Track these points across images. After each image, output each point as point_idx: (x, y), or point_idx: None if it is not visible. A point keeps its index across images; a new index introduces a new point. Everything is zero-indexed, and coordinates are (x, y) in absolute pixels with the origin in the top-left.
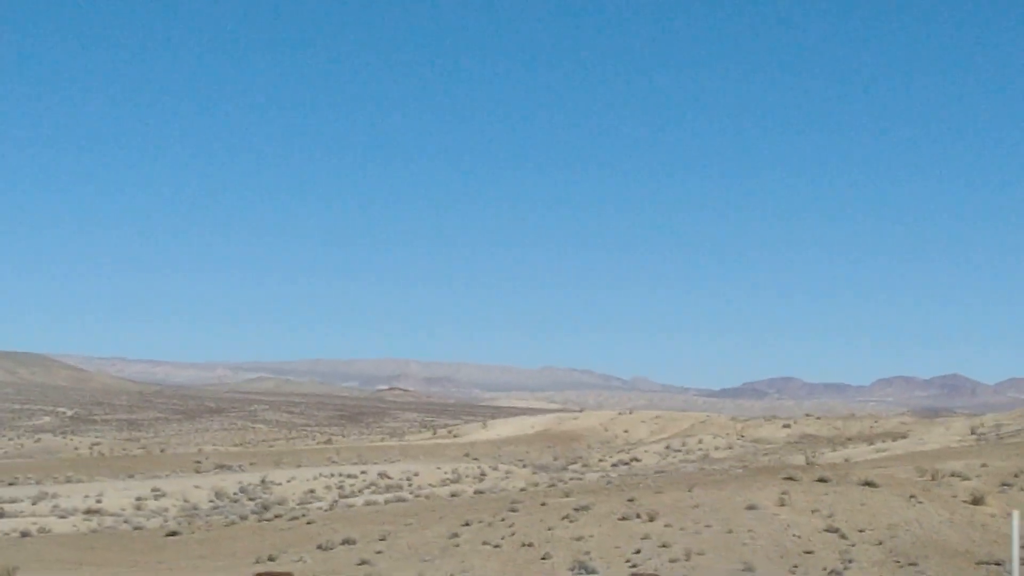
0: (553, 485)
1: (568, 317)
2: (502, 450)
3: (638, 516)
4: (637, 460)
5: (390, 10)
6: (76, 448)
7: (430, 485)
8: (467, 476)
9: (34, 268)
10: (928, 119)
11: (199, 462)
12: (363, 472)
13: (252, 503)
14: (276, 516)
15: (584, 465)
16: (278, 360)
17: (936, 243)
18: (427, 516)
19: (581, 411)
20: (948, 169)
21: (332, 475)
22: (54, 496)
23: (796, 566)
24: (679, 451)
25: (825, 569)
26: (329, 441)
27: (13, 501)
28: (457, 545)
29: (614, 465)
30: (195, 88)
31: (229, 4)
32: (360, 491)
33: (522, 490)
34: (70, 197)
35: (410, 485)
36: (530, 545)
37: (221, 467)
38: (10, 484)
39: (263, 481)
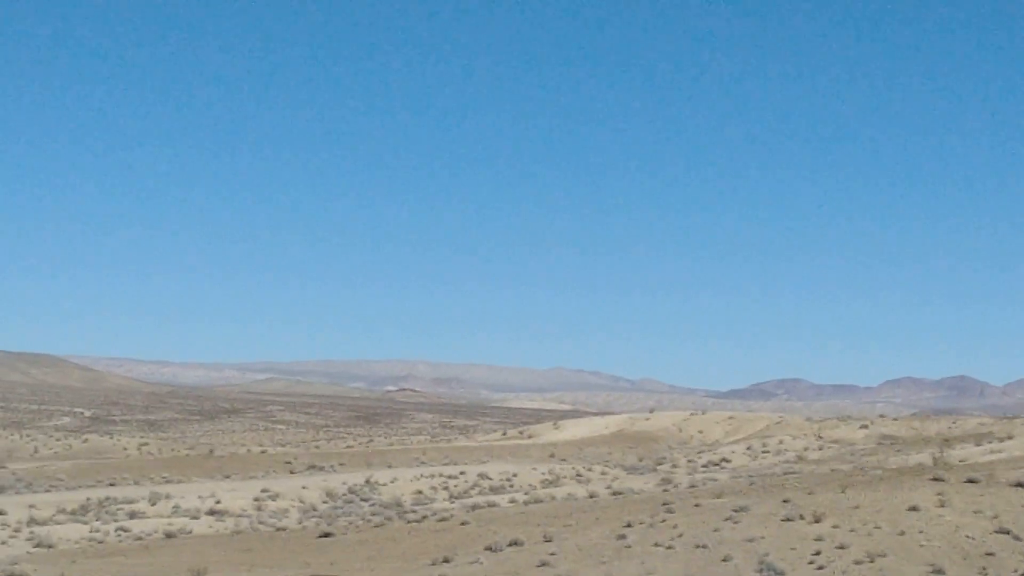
0: (693, 487)
1: (577, 318)
2: (584, 451)
3: (802, 517)
4: (727, 461)
5: (383, 8)
6: (125, 449)
7: (531, 486)
8: (564, 477)
9: (43, 269)
10: (934, 119)
11: (289, 463)
12: (461, 473)
13: (367, 504)
14: (423, 517)
15: (674, 466)
16: (286, 361)
17: (945, 243)
18: (583, 517)
19: (651, 412)
20: (957, 168)
21: (432, 476)
22: (167, 497)
23: (984, 568)
24: (766, 452)
25: (1016, 572)
26: (371, 441)
27: (129, 502)
28: (628, 547)
29: (704, 466)
30: (205, 86)
31: (221, 4)
32: (467, 492)
33: (664, 491)
34: (78, 198)
35: (511, 487)
36: (704, 547)
37: (312, 467)
38: (110, 485)
39: (367, 481)
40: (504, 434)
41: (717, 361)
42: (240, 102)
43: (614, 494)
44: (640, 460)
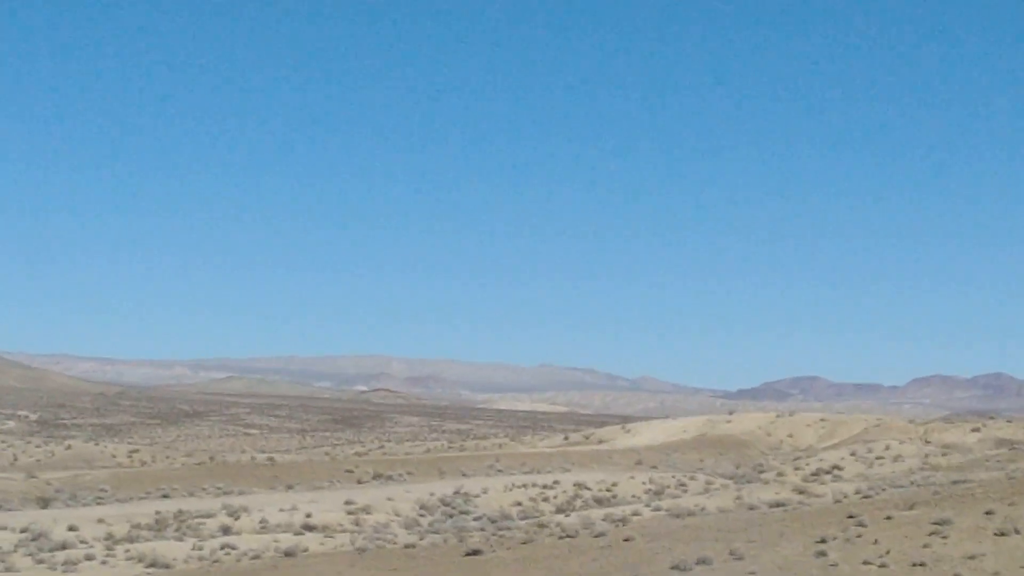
0: (868, 496)
1: (565, 311)
2: (671, 457)
3: (1017, 531)
4: (838, 468)
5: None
6: (114, 456)
7: (635, 496)
8: (668, 486)
9: None
10: (965, 104)
11: (351, 471)
12: (555, 482)
13: (470, 517)
14: (575, 532)
15: (779, 474)
16: (243, 358)
17: (977, 231)
18: (763, 532)
19: (731, 413)
20: (992, 155)
21: (524, 486)
22: (245, 510)
23: None
24: (881, 459)
25: None
26: (383, 448)
27: (207, 515)
28: (834, 564)
29: (813, 474)
30: (156, 74)
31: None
32: (570, 503)
33: (837, 501)
34: (10, 186)
35: (614, 497)
36: (921, 564)
37: (379, 476)
38: (164, 496)
39: (458, 492)
40: (566, 438)
41: (723, 358)
42: (204, 91)
43: (751, 508)
44: (737, 467)
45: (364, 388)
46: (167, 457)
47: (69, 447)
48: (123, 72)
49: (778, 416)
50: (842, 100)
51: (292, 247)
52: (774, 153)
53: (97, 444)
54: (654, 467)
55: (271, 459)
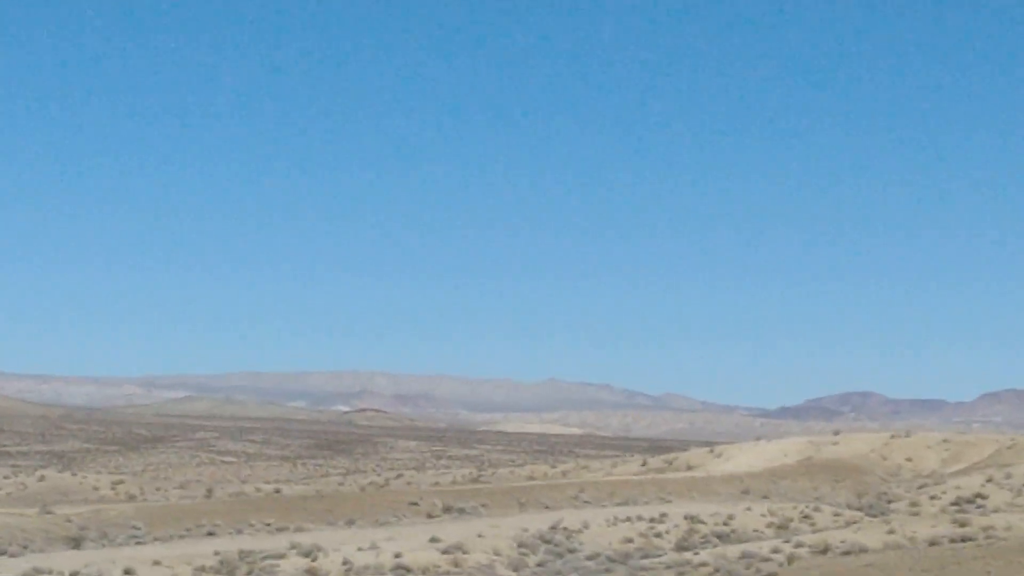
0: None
1: (575, 319)
2: (779, 484)
3: None
4: (982, 498)
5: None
6: (96, 488)
7: (756, 531)
8: (791, 519)
9: None
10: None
11: (415, 503)
12: (662, 515)
13: (582, 556)
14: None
15: (912, 504)
16: (202, 375)
17: None
18: (966, 570)
19: (837, 434)
20: None
21: (628, 519)
22: (319, 549)
23: None
24: None
25: None
26: (401, 476)
27: (278, 556)
28: None
29: (954, 504)
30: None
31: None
32: (686, 538)
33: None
34: None
35: (732, 532)
36: None
37: (451, 510)
38: (209, 534)
39: (557, 527)
40: (644, 464)
41: (759, 373)
42: (159, 94)
43: (912, 543)
44: (860, 496)
45: (345, 408)
46: (158, 489)
47: (43, 478)
48: (75, 77)
49: (892, 437)
50: (876, 90)
51: (255, 248)
52: (812, 146)
53: (75, 475)
54: (765, 496)
55: (278, 491)
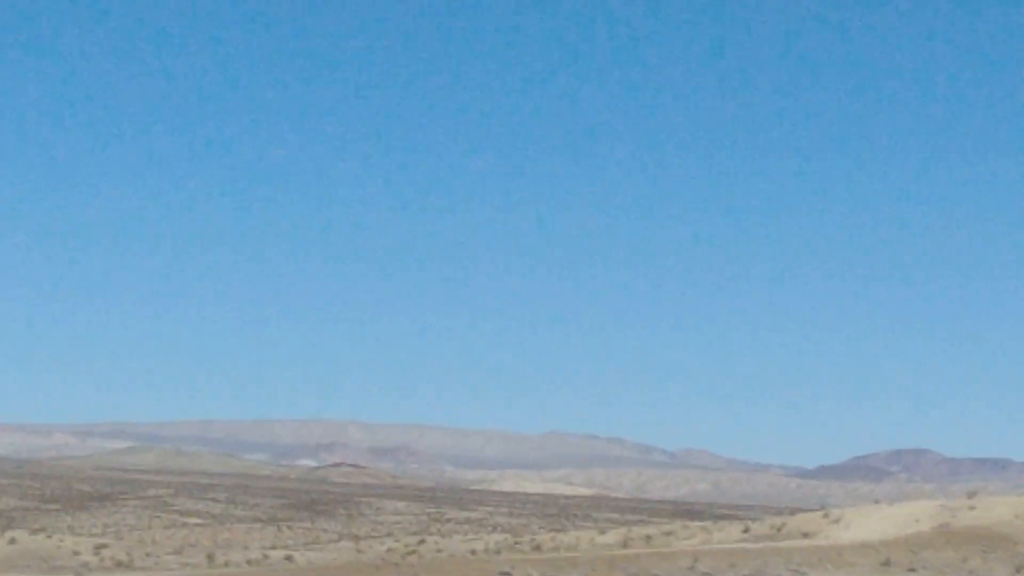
0: None
1: (580, 362)
2: (921, 555)
3: None
4: None
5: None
6: (77, 552)
7: None
8: None
9: None
10: None
11: (507, 573)
12: None
13: None
14: None
15: None
16: (145, 423)
17: None
18: None
19: (973, 497)
20: None
21: None
22: None
23: None
24: None
25: None
26: (424, 543)
27: None
28: None
29: None
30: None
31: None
32: None
33: None
34: None
35: None
36: None
37: None
38: None
39: None
40: (746, 530)
41: (795, 426)
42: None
43: None
44: (1017, 570)
45: (312, 462)
46: (147, 555)
47: (13, 541)
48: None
49: None
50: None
51: (205, 279)
52: (854, 183)
53: (50, 536)
54: (912, 570)
55: (289, 557)
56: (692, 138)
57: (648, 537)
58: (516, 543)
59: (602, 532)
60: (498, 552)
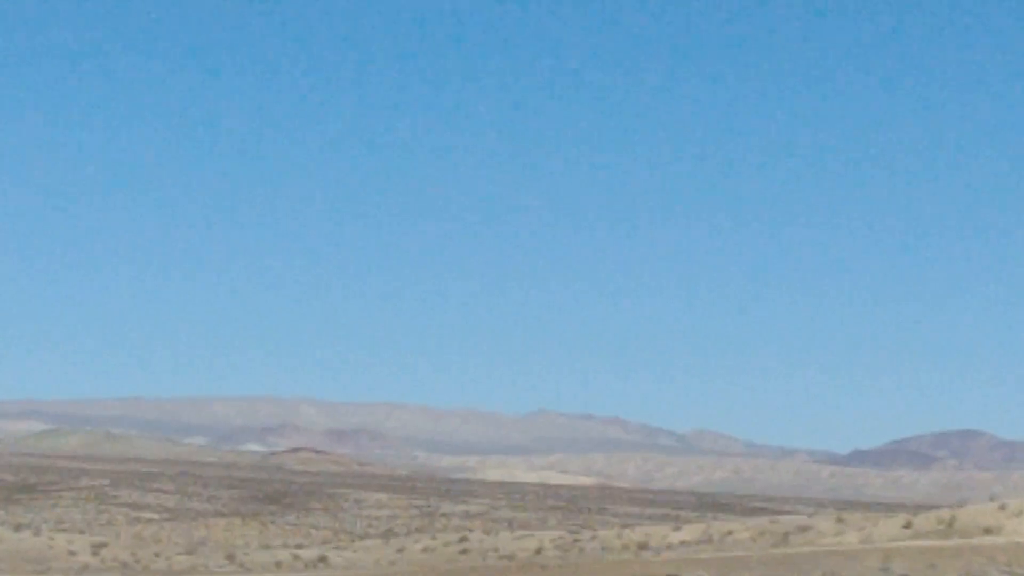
0: None
1: (573, 332)
2: None
3: None
4: None
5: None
6: (73, 553)
7: None
8: None
9: None
10: None
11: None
12: None
13: None
14: None
15: None
16: (64, 400)
17: None
18: None
19: None
20: None
21: None
22: None
23: None
24: None
25: None
26: (466, 540)
27: None
28: None
29: None
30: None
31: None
32: None
33: None
34: None
35: None
36: None
37: None
38: None
39: None
40: (908, 525)
41: (824, 406)
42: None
43: None
44: None
45: (259, 447)
46: (157, 555)
47: None
48: None
49: None
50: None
51: (134, 240)
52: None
53: (37, 535)
54: None
55: (323, 558)
56: (714, 94)
57: (785, 534)
58: (576, 540)
59: (676, 528)
60: (564, 551)
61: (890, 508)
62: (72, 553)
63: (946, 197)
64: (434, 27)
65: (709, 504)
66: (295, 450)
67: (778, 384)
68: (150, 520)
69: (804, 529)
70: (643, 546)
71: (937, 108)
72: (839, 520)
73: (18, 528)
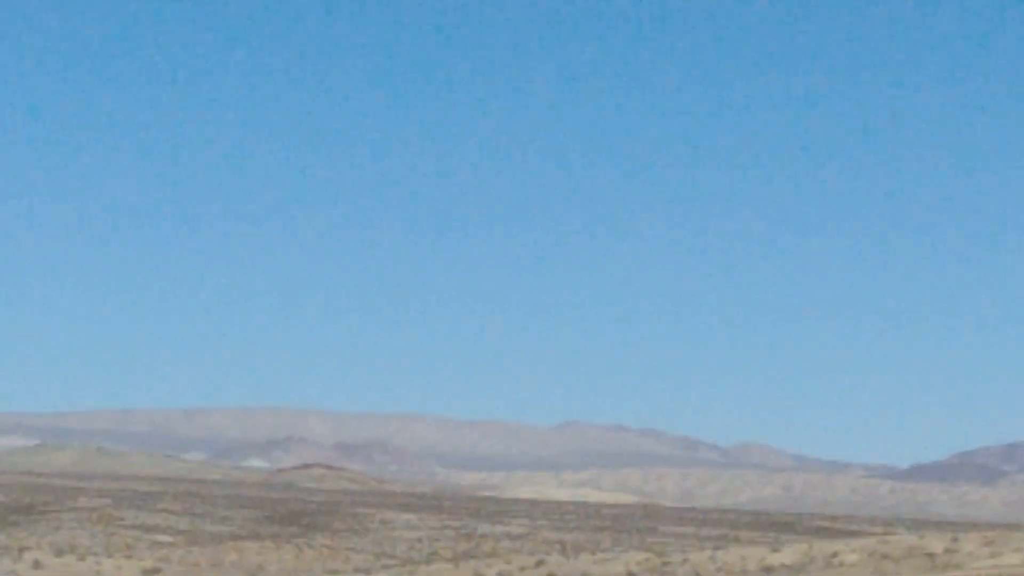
0: None
1: (605, 338)
2: None
3: None
4: None
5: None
6: None
7: None
8: None
9: None
10: None
11: None
12: None
13: None
14: None
15: None
16: (49, 413)
17: None
18: None
19: None
20: None
21: None
22: None
23: None
24: None
25: None
26: (543, 564)
27: None
28: None
29: None
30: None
31: None
32: None
33: None
34: None
35: None
36: None
37: None
38: None
39: None
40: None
41: (881, 417)
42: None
43: None
44: None
45: (263, 463)
46: None
47: (37, 564)
48: None
49: None
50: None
51: (125, 243)
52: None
53: (82, 560)
54: None
55: None
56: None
57: (930, 555)
58: (666, 564)
59: (775, 551)
60: (719, 570)
61: (969, 527)
62: None
63: (1017, 202)
64: (434, 26)
65: (766, 523)
66: (307, 466)
67: (829, 393)
68: (168, 544)
69: (926, 551)
70: (744, 571)
71: None
72: (988, 542)
73: (60, 553)
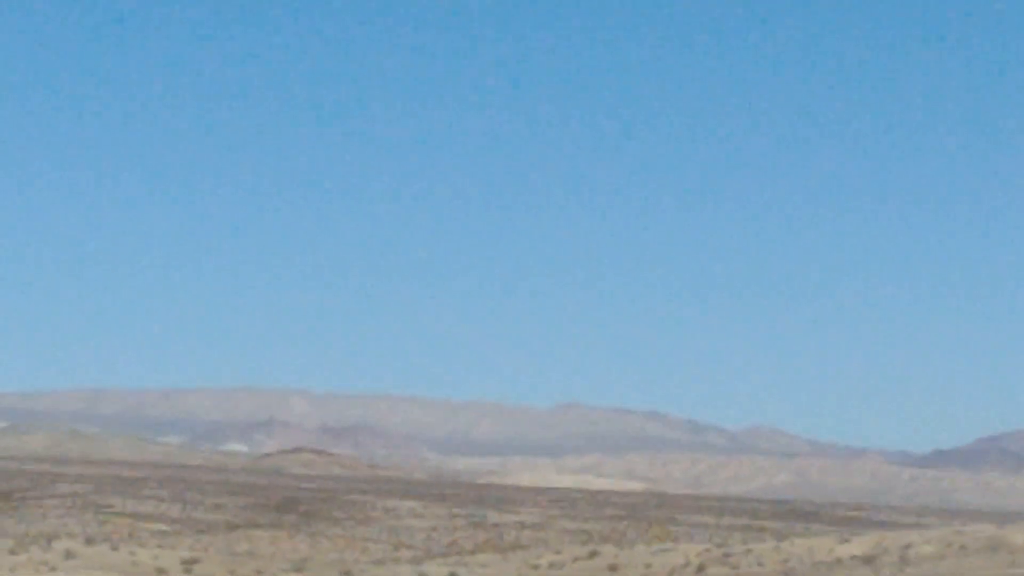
0: None
1: (606, 316)
2: None
3: None
4: None
5: None
6: (162, 571)
7: None
8: None
9: None
10: None
11: None
12: None
13: None
14: None
15: None
16: (15, 392)
17: None
18: None
19: None
20: None
21: None
22: None
23: None
24: None
25: None
26: (597, 555)
27: None
28: None
29: None
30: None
31: None
32: None
33: None
34: None
35: None
36: None
37: None
38: None
39: None
40: None
41: (899, 400)
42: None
43: None
44: None
45: (242, 447)
46: (259, 572)
47: (70, 554)
48: None
49: None
50: None
51: (97, 217)
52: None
53: (115, 549)
54: None
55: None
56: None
57: (1011, 548)
58: (727, 555)
59: (844, 541)
60: (731, 567)
61: (1015, 517)
62: (161, 571)
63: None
64: (432, 26)
65: (789, 512)
66: (295, 450)
67: (844, 374)
68: (164, 532)
69: (1006, 542)
70: (814, 562)
71: None
72: None
73: (90, 541)
